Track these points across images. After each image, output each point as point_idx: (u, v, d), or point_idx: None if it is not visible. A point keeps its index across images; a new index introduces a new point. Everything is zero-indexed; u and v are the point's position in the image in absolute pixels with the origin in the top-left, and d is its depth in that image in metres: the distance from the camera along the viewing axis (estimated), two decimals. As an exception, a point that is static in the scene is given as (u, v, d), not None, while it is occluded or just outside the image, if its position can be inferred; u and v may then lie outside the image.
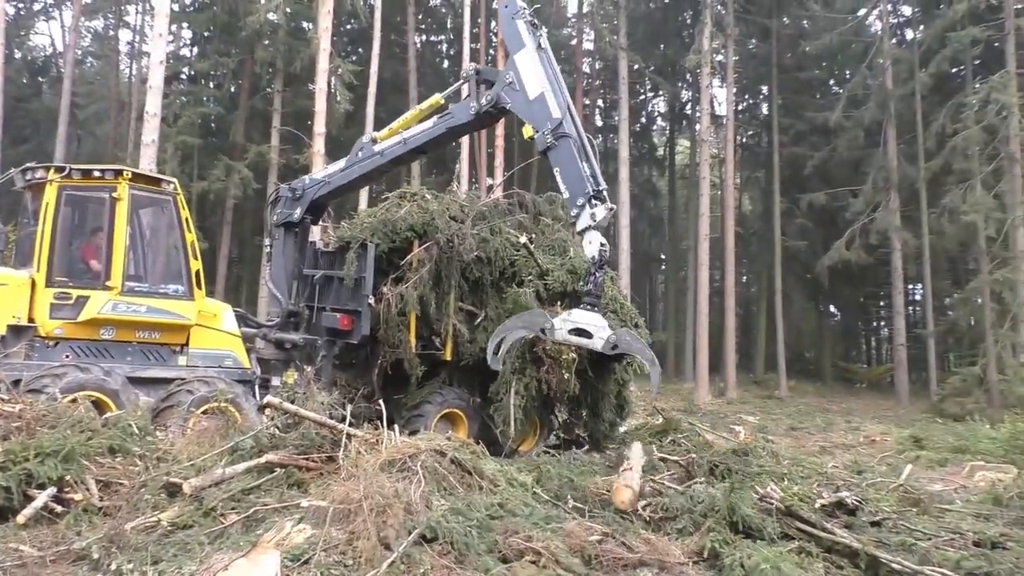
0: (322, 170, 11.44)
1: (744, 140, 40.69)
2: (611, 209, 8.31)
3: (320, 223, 11.47)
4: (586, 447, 10.68)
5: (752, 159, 40.78)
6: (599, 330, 8.04)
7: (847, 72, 35.53)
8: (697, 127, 30.53)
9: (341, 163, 10.82)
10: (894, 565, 5.45)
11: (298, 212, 10.55)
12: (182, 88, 28.96)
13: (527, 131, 8.90)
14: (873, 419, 21.27)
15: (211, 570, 4.06)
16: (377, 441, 6.20)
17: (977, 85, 26.32)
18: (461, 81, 9.96)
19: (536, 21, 9.21)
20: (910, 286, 37.28)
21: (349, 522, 4.96)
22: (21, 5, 36.08)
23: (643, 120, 42.38)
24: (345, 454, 6.10)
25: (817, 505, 6.63)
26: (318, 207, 10.91)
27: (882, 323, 44.28)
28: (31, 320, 8.17)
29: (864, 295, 40.70)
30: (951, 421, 19.43)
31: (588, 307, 8.19)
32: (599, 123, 41.68)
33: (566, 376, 9.62)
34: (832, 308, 42.53)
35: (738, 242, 30.68)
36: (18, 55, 35.64)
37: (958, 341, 29.37)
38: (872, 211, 28.29)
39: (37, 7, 37.53)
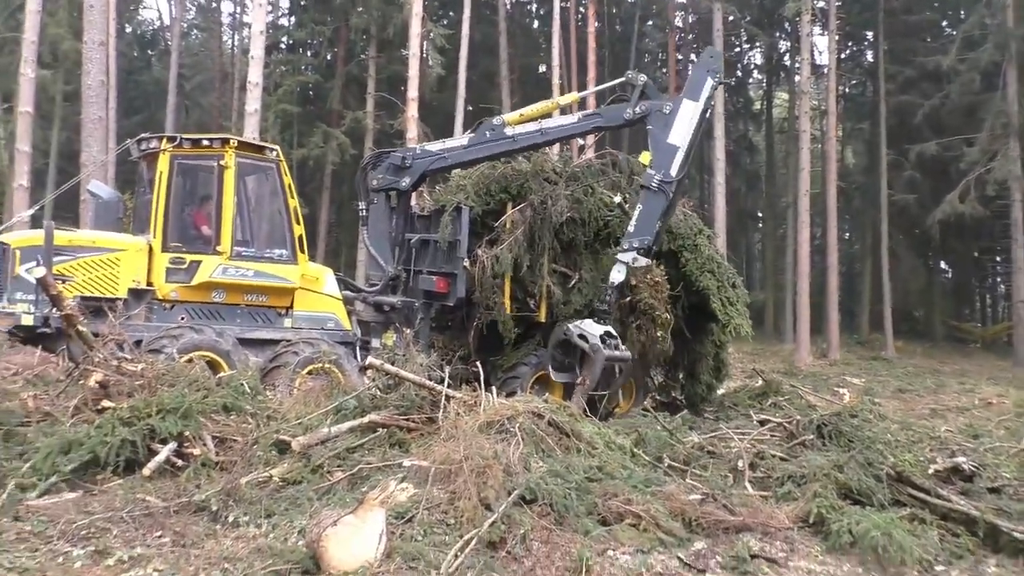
0: (435, 143, 11.40)
1: (847, 90, 38.69)
2: (648, 264, 9.50)
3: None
4: (683, 411, 10.56)
5: (856, 110, 38.77)
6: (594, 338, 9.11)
7: (961, 12, 33.19)
8: (796, 78, 29.24)
9: (463, 140, 10.76)
10: (1016, 534, 5.21)
11: (407, 181, 10.54)
12: (281, 57, 29.64)
13: (644, 158, 9.67)
14: (989, 380, 20.17)
15: (321, 524, 4.22)
16: (475, 403, 6.29)
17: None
18: (617, 81, 10.53)
19: (720, 88, 9.60)
20: (1031, 240, 34.95)
21: (450, 482, 5.06)
22: (131, -20, 37.57)
23: (739, 73, 40.77)
24: (444, 415, 6.21)
25: (931, 471, 6.37)
26: (422, 177, 10.96)
27: (999, 279, 41.73)
28: (149, 284, 8.62)
29: (979, 250, 38.39)
30: (1076, 384, 18.27)
31: (600, 320, 9.33)
32: (693, 78, 40.41)
33: (659, 335, 9.58)
34: (943, 264, 40.34)
35: (841, 197, 29.37)
36: (128, 29, 37.20)
37: (1085, 299, 27.42)
38: (989, 160, 26.48)
39: (145, -18, 39.04)
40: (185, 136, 8.94)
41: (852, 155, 42.71)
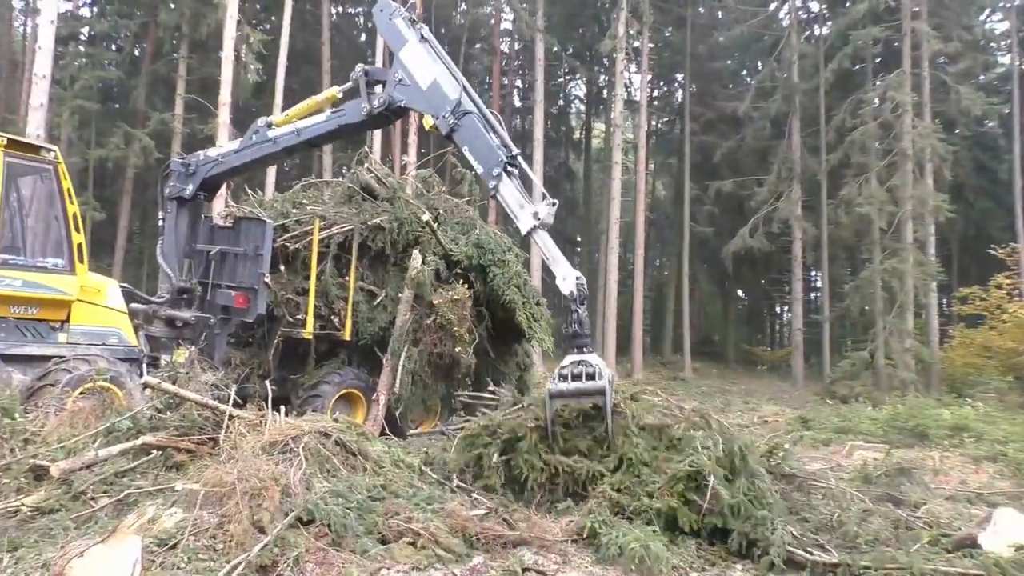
0: (217, 148, 11.00)
1: (658, 126, 41.35)
2: (554, 204, 7.86)
3: (222, 198, 11.15)
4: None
5: (665, 145, 41.50)
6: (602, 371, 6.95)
7: (758, 64, 36.51)
8: (612, 112, 30.88)
9: (236, 143, 10.42)
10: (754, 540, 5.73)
11: (190, 188, 10.08)
12: (80, 50, 27.50)
13: (427, 122, 8.48)
14: (769, 400, 22.13)
15: (67, 556, 3.92)
16: (260, 422, 6.09)
17: (876, 83, 27.49)
18: (351, 82, 9.23)
19: (414, 17, 8.89)
20: (812, 273, 38.83)
21: (222, 505, 4.87)
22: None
23: (561, 102, 42.52)
24: (227, 436, 5.97)
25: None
26: (212, 185, 10.50)
27: (785, 308, 45.93)
28: (-103, 295, 7.67)
29: (768, 281, 42.12)
30: (840, 403, 20.39)
31: (578, 351, 7.07)
32: (517, 103, 41.66)
33: (458, 351, 9.72)
34: (740, 293, 43.87)
35: (650, 227, 31.29)
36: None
37: (852, 327, 30.81)
38: (776, 200, 29.24)
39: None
40: (-54, 131, 8.06)
41: (662, 187, 45.62)
